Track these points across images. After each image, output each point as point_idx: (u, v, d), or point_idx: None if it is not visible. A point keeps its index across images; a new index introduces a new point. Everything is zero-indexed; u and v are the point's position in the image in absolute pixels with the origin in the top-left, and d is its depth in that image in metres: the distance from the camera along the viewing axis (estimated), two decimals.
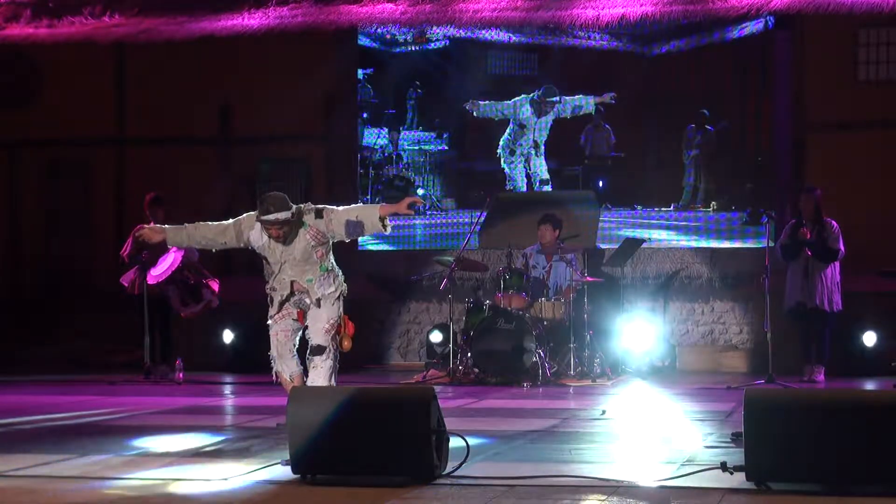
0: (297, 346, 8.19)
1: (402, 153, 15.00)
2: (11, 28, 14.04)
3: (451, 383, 11.83)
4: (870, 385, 11.70)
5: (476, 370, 11.96)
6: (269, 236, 7.92)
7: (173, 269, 12.34)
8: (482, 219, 13.43)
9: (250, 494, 5.98)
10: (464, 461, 6.32)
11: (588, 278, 12.37)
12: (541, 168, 14.60)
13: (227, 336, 13.75)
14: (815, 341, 11.96)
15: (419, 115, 15.02)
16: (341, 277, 8.16)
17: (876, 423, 5.69)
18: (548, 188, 14.62)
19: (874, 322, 12.62)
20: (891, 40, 13.72)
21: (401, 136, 15.01)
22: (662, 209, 14.34)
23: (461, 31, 14.42)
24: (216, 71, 14.96)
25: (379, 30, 14.63)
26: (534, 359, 11.67)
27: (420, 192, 14.78)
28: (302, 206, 8.00)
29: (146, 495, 5.95)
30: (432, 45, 14.89)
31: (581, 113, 14.49)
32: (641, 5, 12.83)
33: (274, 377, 8.22)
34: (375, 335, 14.53)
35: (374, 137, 15.07)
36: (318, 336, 7.97)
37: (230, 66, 14.86)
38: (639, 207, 14.43)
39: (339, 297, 8.08)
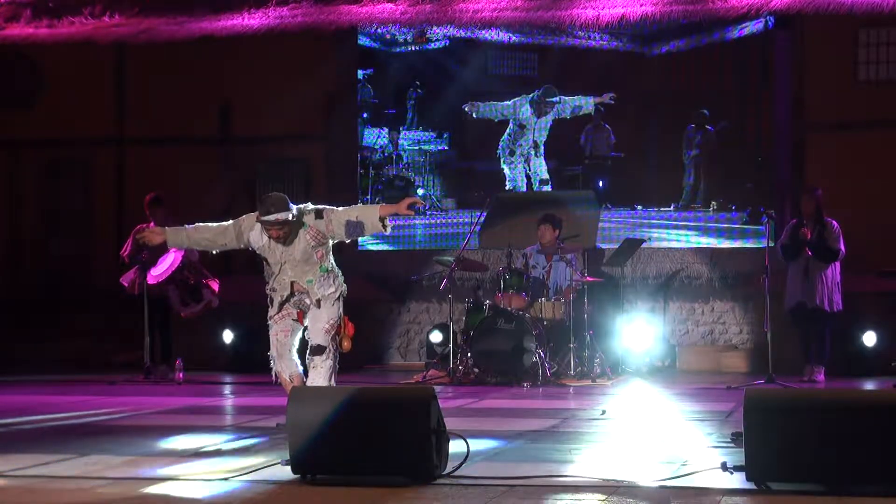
0: (296, 347, 8.18)
1: (402, 153, 15.00)
2: (11, 28, 14.03)
3: (451, 383, 11.83)
4: (870, 385, 11.70)
5: (476, 370, 11.96)
6: (270, 237, 7.92)
7: (173, 269, 12.35)
8: (482, 219, 13.43)
9: (250, 494, 5.98)
10: (464, 461, 6.32)
11: (588, 278, 12.37)
12: (540, 168, 14.60)
13: (227, 336, 13.76)
14: (815, 341, 11.96)
15: (419, 115, 15.02)
16: (341, 278, 8.16)
17: (876, 423, 5.69)
18: (548, 188, 14.62)
19: (874, 322, 12.62)
20: (891, 40, 13.72)
21: (401, 136, 15.01)
22: (662, 209, 14.34)
23: (461, 31, 14.42)
24: (216, 71, 14.96)
25: (379, 30, 14.64)
26: (534, 359, 11.67)
27: (420, 192, 14.78)
28: (302, 206, 8.00)
29: (146, 495, 5.95)
30: (432, 45, 14.90)
31: (581, 113, 14.49)
32: (641, 5, 12.82)
33: (273, 377, 8.21)
34: (375, 335, 14.53)
35: (374, 137, 15.07)
36: (317, 336, 7.97)
37: (230, 66, 14.86)
38: (639, 207, 14.44)
39: (338, 297, 8.08)
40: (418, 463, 6.08)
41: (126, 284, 12.47)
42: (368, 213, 8.00)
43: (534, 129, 14.57)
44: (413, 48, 14.98)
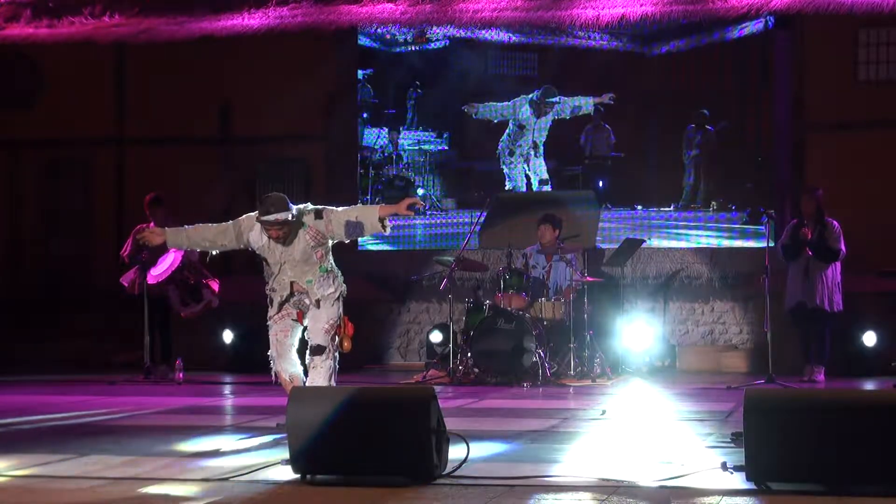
0: (296, 347, 8.19)
1: (402, 153, 15.00)
2: (11, 28, 14.03)
3: (451, 383, 11.83)
4: (870, 385, 11.69)
5: (476, 370, 11.95)
6: (269, 237, 7.92)
7: (173, 269, 12.35)
8: (482, 219, 13.43)
9: (250, 494, 5.98)
10: (464, 461, 6.32)
11: (588, 278, 12.37)
12: (540, 168, 14.61)
13: (227, 336, 13.76)
14: (815, 341, 11.96)
15: (419, 115, 15.02)
16: (341, 278, 8.16)
17: (876, 423, 5.69)
18: (547, 188, 14.62)
19: (874, 322, 12.62)
20: (891, 40, 13.72)
21: (401, 136, 15.01)
22: (662, 209, 14.34)
23: (461, 31, 14.42)
24: (216, 71, 14.96)
25: (379, 30, 14.63)
26: (534, 359, 11.67)
27: (420, 192, 14.78)
28: (301, 206, 8.00)
29: (146, 495, 5.95)
30: (432, 45, 14.90)
31: (580, 113, 14.49)
32: (641, 5, 12.82)
33: (273, 377, 8.21)
34: (375, 335, 14.53)
35: (374, 137, 15.07)
36: (317, 336, 7.97)
37: (230, 66, 14.87)
38: (639, 207, 14.43)
39: (338, 297, 8.08)
40: (418, 463, 6.08)
41: (126, 284, 12.47)
42: (368, 213, 8.00)
43: (533, 130, 14.57)
44: (413, 48, 14.98)
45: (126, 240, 12.48)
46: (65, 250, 15.55)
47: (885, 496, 5.63)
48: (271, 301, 8.13)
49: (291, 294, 8.04)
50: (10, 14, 14.07)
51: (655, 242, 14.15)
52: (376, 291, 14.47)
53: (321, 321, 7.99)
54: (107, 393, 11.30)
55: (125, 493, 5.98)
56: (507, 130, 14.66)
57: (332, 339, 8.00)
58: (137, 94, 15.44)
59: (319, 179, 14.99)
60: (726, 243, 14.10)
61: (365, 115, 15.09)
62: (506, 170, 14.68)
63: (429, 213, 14.77)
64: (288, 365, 8.11)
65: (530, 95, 14.53)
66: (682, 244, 14.22)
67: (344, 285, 8.16)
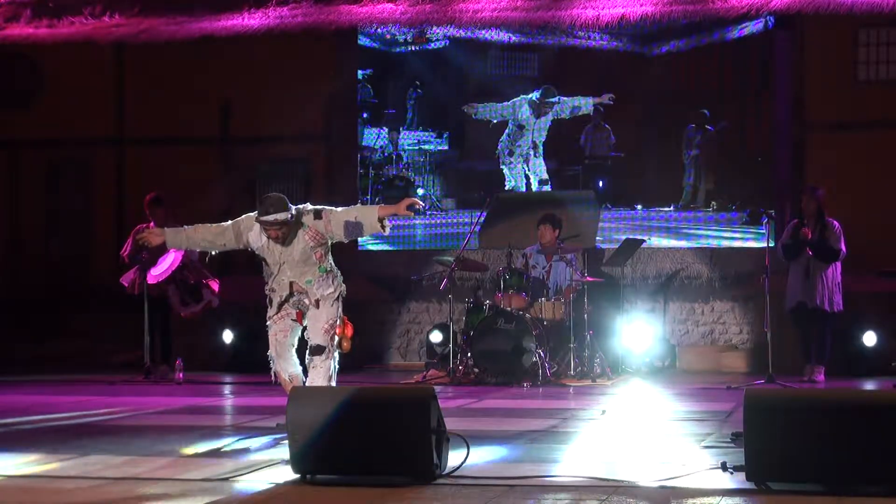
0: (295, 347, 8.19)
1: (402, 153, 15.00)
2: (11, 28, 14.04)
3: (451, 383, 11.83)
4: (870, 385, 11.69)
5: (476, 370, 11.96)
6: (268, 237, 7.92)
7: (173, 269, 12.35)
8: (482, 219, 13.43)
9: (250, 494, 5.99)
10: (464, 461, 6.32)
11: (588, 278, 12.37)
12: (540, 168, 14.61)
13: (227, 336, 13.75)
14: (815, 341, 11.95)
15: (419, 115, 15.02)
16: (340, 278, 8.16)
17: (876, 423, 5.69)
18: (547, 188, 14.62)
19: (874, 322, 12.61)
20: (891, 40, 13.73)
21: (401, 136, 15.01)
22: (662, 209, 14.34)
23: (461, 31, 14.42)
24: (216, 71, 14.96)
25: (379, 30, 14.63)
26: (534, 359, 11.66)
27: (420, 192, 14.78)
28: (301, 207, 8.00)
29: (145, 495, 5.95)
30: (432, 45, 14.89)
31: (580, 114, 14.49)
32: (641, 5, 12.83)
33: (273, 377, 8.22)
34: (375, 335, 14.53)
35: (374, 137, 15.07)
36: (317, 336, 7.98)
37: (230, 66, 14.86)
38: (639, 207, 14.43)
39: (337, 297, 8.08)
40: (418, 463, 6.08)
41: (126, 284, 12.48)
42: (367, 213, 8.00)
43: (533, 130, 14.57)
44: (413, 48, 14.98)
45: (126, 240, 12.48)
46: (65, 250, 15.55)
47: (885, 496, 5.63)
48: (271, 301, 8.14)
49: (291, 294, 8.05)
50: (10, 14, 14.07)
51: (655, 242, 14.15)
52: (376, 291, 14.47)
53: (321, 321, 7.99)
54: (107, 393, 11.30)
55: (125, 493, 5.98)
56: (506, 130, 14.66)
57: (332, 339, 8.00)
58: (137, 94, 15.44)
59: (319, 179, 15.00)
60: (726, 243, 14.09)
61: (365, 115, 15.09)
62: (505, 170, 14.68)
63: (429, 213, 14.77)
64: (287, 365, 8.11)
65: (530, 96, 14.53)
66: (682, 244, 14.22)
67: (343, 285, 8.16)
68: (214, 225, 8.16)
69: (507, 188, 14.64)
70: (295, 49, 14.38)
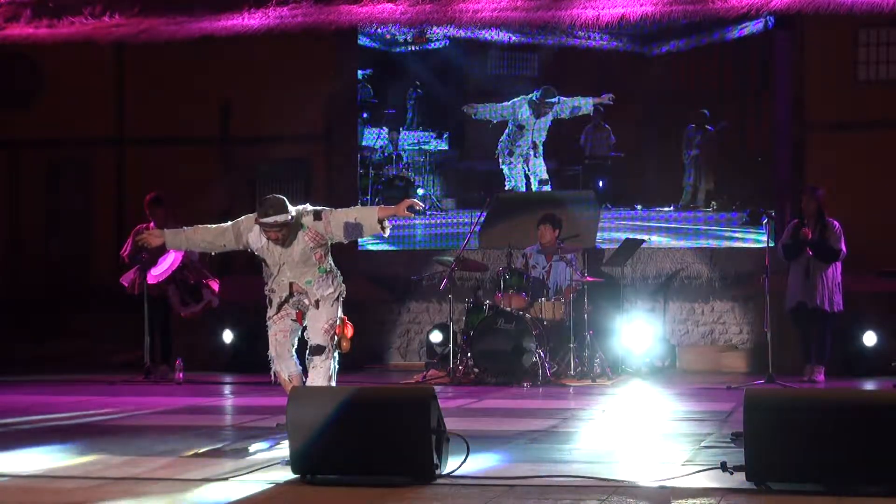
0: (295, 347, 8.19)
1: (402, 153, 15.00)
2: (11, 28, 14.04)
3: (451, 383, 11.83)
4: (870, 385, 11.70)
5: (476, 370, 11.96)
6: (268, 239, 7.92)
7: (173, 269, 12.36)
8: (482, 219, 13.43)
9: (250, 494, 5.98)
10: (464, 461, 6.32)
11: (588, 278, 12.37)
12: (539, 168, 14.61)
13: (227, 336, 13.75)
14: (815, 341, 11.95)
15: (419, 115, 15.01)
16: (340, 278, 8.16)
17: (876, 423, 5.69)
18: (547, 188, 14.62)
19: (874, 322, 12.61)
20: (891, 40, 13.73)
21: (401, 136, 15.01)
22: (662, 209, 14.34)
23: (461, 31, 14.42)
24: (216, 71, 14.96)
25: (379, 30, 14.63)
26: (534, 359, 11.67)
27: (420, 192, 14.78)
28: (300, 208, 8.00)
29: (145, 495, 5.94)
30: (432, 45, 14.89)
31: (580, 114, 14.49)
32: (641, 5, 12.83)
33: (273, 377, 8.21)
34: (375, 335, 14.53)
35: (374, 137, 15.07)
36: (317, 336, 7.97)
37: (230, 66, 14.86)
38: (639, 207, 14.43)
39: (337, 297, 8.08)
40: (418, 463, 6.08)
41: (126, 284, 12.48)
42: (367, 214, 8.00)
43: (532, 130, 14.57)
44: (413, 48, 14.98)
45: (126, 240, 12.48)
46: (65, 250, 15.55)
47: (885, 496, 5.63)
48: (270, 301, 8.13)
49: (291, 295, 8.04)
50: (10, 14, 14.08)
51: (655, 242, 14.15)
52: (376, 291, 14.46)
53: (320, 321, 7.98)
54: (107, 393, 11.30)
55: (125, 493, 5.97)
56: (506, 130, 14.65)
57: (332, 339, 8.00)
58: (137, 94, 15.44)
59: (319, 179, 14.99)
60: (726, 243, 14.09)
61: (365, 115, 15.09)
62: (505, 170, 14.68)
63: (429, 213, 14.77)
64: (287, 365, 8.11)
65: (530, 96, 14.52)
66: (682, 244, 14.22)
67: (343, 285, 8.16)
68: (214, 226, 8.15)
69: (507, 188, 14.64)
70: (295, 49, 14.38)
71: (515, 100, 14.58)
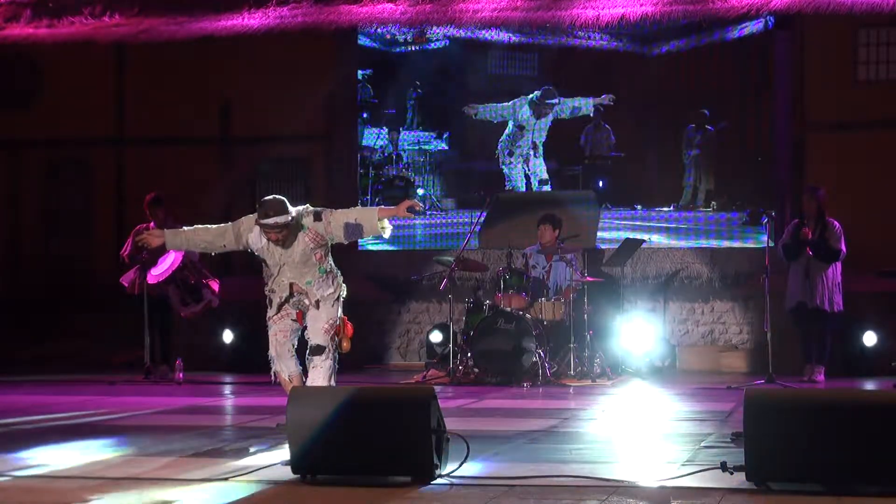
0: (295, 347, 8.19)
1: (402, 153, 15.00)
2: (11, 28, 14.04)
3: (451, 383, 11.83)
4: (870, 385, 11.70)
5: (476, 370, 11.96)
6: (268, 239, 7.92)
7: (173, 269, 12.35)
8: (482, 219, 13.42)
9: (250, 494, 5.98)
10: (464, 461, 6.32)
11: (588, 278, 12.37)
12: (539, 168, 14.61)
13: (227, 336, 13.75)
14: (815, 341, 11.96)
15: (419, 115, 15.01)
16: (340, 279, 8.16)
17: (876, 423, 5.69)
18: (547, 188, 14.62)
19: (874, 322, 12.62)
20: (891, 40, 13.72)
21: (401, 136, 15.01)
22: (662, 209, 14.34)
23: (461, 31, 14.42)
24: (216, 71, 14.96)
25: (379, 30, 14.63)
26: (534, 359, 11.67)
27: (420, 192, 14.78)
28: (300, 208, 8.00)
29: (146, 495, 5.95)
30: (432, 45, 14.89)
31: (580, 114, 14.49)
32: (641, 5, 12.82)
33: (273, 377, 8.22)
34: (375, 335, 14.53)
35: (374, 137, 15.07)
36: (317, 336, 7.98)
37: (230, 66, 14.86)
38: (639, 207, 14.43)
39: (337, 298, 8.08)
40: (418, 463, 6.08)
41: (126, 284, 12.48)
42: (367, 215, 8.00)
43: (533, 130, 14.57)
44: (413, 48, 14.98)
45: (126, 240, 12.48)
46: (65, 250, 15.55)
47: (885, 496, 5.63)
48: (270, 302, 8.13)
49: (291, 295, 8.04)
50: (10, 14, 14.07)
51: (655, 242, 14.15)
52: (376, 291, 14.46)
53: (321, 321, 7.99)
54: (107, 393, 11.30)
55: (125, 493, 5.98)
56: (506, 131, 14.65)
57: (332, 339, 8.00)
58: (137, 94, 15.43)
59: (319, 179, 14.99)
60: (726, 243, 14.09)
61: (365, 115, 15.08)
62: (505, 170, 14.68)
63: (429, 213, 14.76)
64: (287, 365, 8.11)
65: (530, 96, 14.52)
66: (682, 244, 14.22)
67: (343, 286, 8.16)
68: (214, 226, 8.15)
69: (506, 188, 14.64)
70: (295, 49, 14.38)
71: (516, 100, 14.58)
